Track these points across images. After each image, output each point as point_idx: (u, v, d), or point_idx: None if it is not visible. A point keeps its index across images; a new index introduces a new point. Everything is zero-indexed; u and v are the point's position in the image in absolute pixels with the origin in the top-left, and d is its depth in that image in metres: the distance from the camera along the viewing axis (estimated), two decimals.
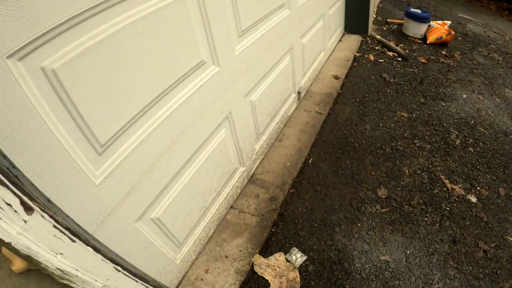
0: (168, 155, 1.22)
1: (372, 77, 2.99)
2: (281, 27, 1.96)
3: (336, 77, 2.90)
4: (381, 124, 2.43)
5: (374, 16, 4.30)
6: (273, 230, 1.75)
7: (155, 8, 1.02)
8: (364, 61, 3.24)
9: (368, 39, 3.63)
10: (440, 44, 3.77)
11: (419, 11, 3.90)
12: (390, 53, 3.36)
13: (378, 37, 3.59)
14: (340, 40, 3.58)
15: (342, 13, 3.51)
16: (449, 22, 3.97)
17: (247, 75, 1.67)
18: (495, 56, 3.77)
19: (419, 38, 3.87)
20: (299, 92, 2.50)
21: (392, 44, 3.52)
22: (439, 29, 3.76)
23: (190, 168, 1.40)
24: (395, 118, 2.50)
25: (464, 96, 2.90)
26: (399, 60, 3.31)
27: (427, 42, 3.75)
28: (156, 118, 1.14)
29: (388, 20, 4.19)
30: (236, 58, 1.53)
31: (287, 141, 2.27)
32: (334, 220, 1.77)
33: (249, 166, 1.95)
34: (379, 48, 3.48)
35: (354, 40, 3.57)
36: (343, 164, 2.11)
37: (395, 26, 4.13)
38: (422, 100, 2.73)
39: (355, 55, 3.27)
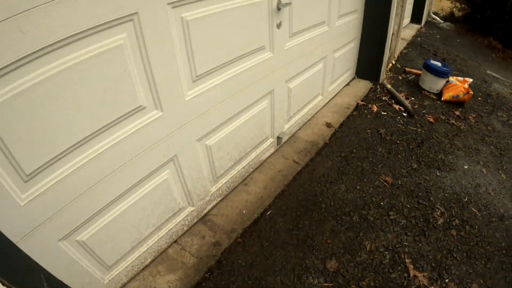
0: (96, 189, 1.27)
1: (368, 130, 2.85)
2: (258, 70, 1.92)
3: (328, 125, 2.79)
4: (358, 187, 2.29)
5: (393, 62, 4.15)
6: (206, 275, 1.68)
7: (84, 58, 1.06)
8: (366, 111, 3.10)
9: (378, 87, 3.49)
10: (456, 103, 3.54)
11: (439, 64, 3.71)
12: (397, 106, 3.20)
13: (389, 86, 3.44)
14: (347, 84, 3.46)
15: (354, 56, 3.41)
16: (471, 80, 3.73)
17: (203, 120, 1.65)
18: None
19: (434, 93, 3.66)
20: (279, 137, 2.43)
21: (401, 96, 3.35)
22: (458, 86, 3.54)
23: (122, 203, 1.42)
24: (377, 182, 2.34)
25: (466, 167, 2.68)
26: (404, 116, 3.13)
27: (442, 99, 3.54)
28: (85, 157, 1.20)
29: (406, 69, 4.02)
30: (187, 103, 1.52)
31: (253, 187, 2.20)
32: (269, 282, 1.66)
33: (201, 206, 1.92)
34: (386, 99, 3.32)
35: (362, 86, 3.44)
36: (301, 224, 1.99)
37: (413, 76, 3.95)
38: (415, 166, 2.55)
39: (357, 103, 3.14)
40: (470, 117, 3.39)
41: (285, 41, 2.09)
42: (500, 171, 2.73)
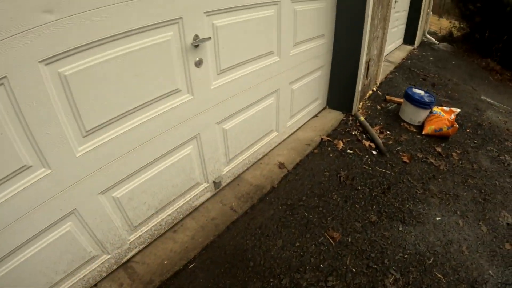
0: None
1: (326, 173, 2.54)
2: (174, 116, 1.72)
3: (281, 166, 2.51)
4: (297, 244, 1.98)
5: (374, 89, 3.83)
6: None
7: None
8: (330, 148, 2.79)
9: (350, 119, 3.18)
10: (439, 137, 3.19)
11: (422, 92, 3.39)
12: (367, 143, 2.87)
13: (362, 118, 3.13)
14: (315, 116, 3.18)
15: (323, 85, 3.14)
16: (458, 110, 3.37)
17: (103, 173, 1.51)
18: (506, 158, 3.08)
19: (415, 126, 3.32)
20: (215, 182, 2.18)
21: (374, 131, 3.03)
22: (441, 119, 3.19)
23: (25, 252, 1.37)
24: (322, 238, 2.03)
25: (438, 218, 2.31)
26: (374, 154, 2.80)
27: (423, 132, 3.20)
28: None
29: (387, 97, 3.69)
30: (80, 159, 1.40)
31: (181, 234, 1.98)
32: None
33: (120, 254, 1.78)
34: (357, 133, 3.01)
35: (332, 118, 3.15)
36: (222, 283, 1.72)
37: (393, 105, 3.61)
38: (373, 219, 2.22)
39: (322, 139, 2.84)
40: (453, 153, 3.03)
41: (210, 80, 1.87)
42: (480, 222, 2.35)
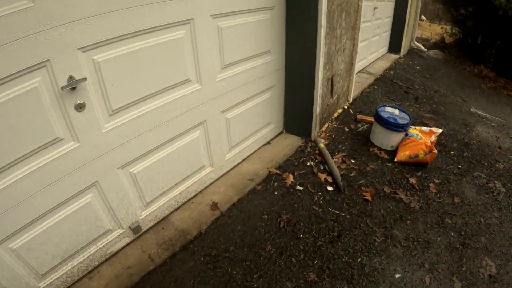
0: None
1: (265, 216, 2.14)
2: (60, 166, 1.49)
3: (213, 207, 2.13)
4: None
5: (346, 107, 3.41)
6: None
7: None
8: (277, 184, 2.39)
9: (309, 145, 2.78)
10: (415, 164, 2.74)
11: (396, 111, 2.96)
12: (323, 176, 2.46)
13: (322, 145, 2.72)
14: (268, 143, 2.79)
15: (275, 108, 2.77)
16: (440, 131, 2.93)
17: None
18: (497, 185, 2.61)
19: (388, 151, 2.88)
20: (131, 228, 1.90)
21: (334, 160, 2.61)
22: (418, 143, 2.75)
23: None
24: None
25: (398, 275, 1.88)
26: (329, 191, 2.38)
27: (395, 160, 2.76)
28: None
29: (358, 116, 3.26)
30: None
31: (95, 283, 1.76)
32: None
33: None
34: (313, 163, 2.60)
35: (287, 145, 2.75)
36: None
37: (365, 125, 3.18)
38: (311, 277, 1.80)
39: (269, 172, 2.45)
40: (431, 185, 2.57)
41: (101, 123, 1.57)
42: (453, 277, 1.90)
